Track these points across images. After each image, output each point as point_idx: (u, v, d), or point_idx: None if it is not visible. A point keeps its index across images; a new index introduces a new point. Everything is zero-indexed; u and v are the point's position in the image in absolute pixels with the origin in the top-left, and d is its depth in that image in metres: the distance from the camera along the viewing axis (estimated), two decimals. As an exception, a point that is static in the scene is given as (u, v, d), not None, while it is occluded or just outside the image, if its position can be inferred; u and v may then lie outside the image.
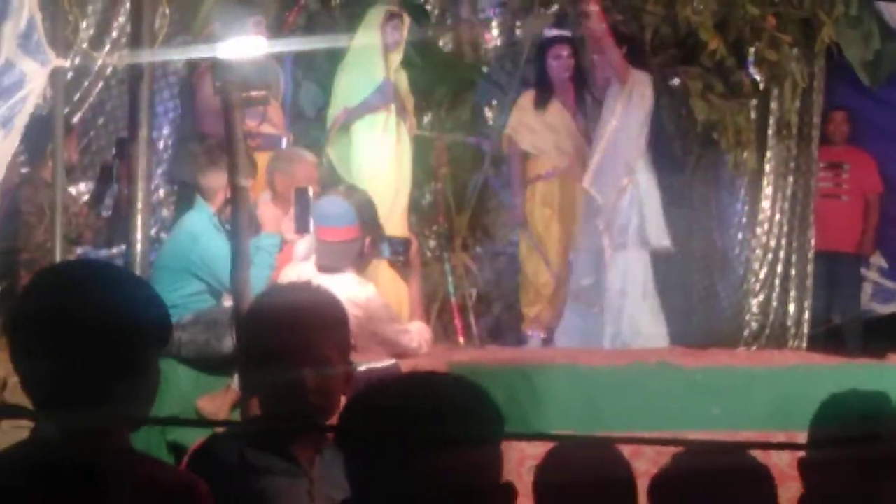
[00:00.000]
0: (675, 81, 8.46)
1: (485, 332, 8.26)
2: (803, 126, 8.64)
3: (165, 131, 8.32)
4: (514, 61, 8.79)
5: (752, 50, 8.33)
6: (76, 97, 8.04)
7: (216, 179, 6.02)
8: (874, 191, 9.04)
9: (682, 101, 8.45)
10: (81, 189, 7.96)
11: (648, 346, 7.35)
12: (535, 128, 8.02)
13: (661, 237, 7.68)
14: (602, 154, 7.66)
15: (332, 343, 2.76)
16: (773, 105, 8.59)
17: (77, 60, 7.76)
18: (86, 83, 8.15)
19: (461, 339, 7.84)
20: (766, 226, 8.75)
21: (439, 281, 8.01)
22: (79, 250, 7.17)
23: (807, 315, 8.62)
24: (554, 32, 8.27)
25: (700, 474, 2.61)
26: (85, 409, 2.05)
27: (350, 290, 5.23)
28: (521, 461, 4.89)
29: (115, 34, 8.16)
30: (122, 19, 8.04)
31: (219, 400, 5.57)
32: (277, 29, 7.80)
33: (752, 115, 8.56)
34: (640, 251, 7.67)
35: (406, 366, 5.31)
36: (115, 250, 7.51)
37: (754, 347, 8.37)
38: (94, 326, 2.06)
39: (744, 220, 8.80)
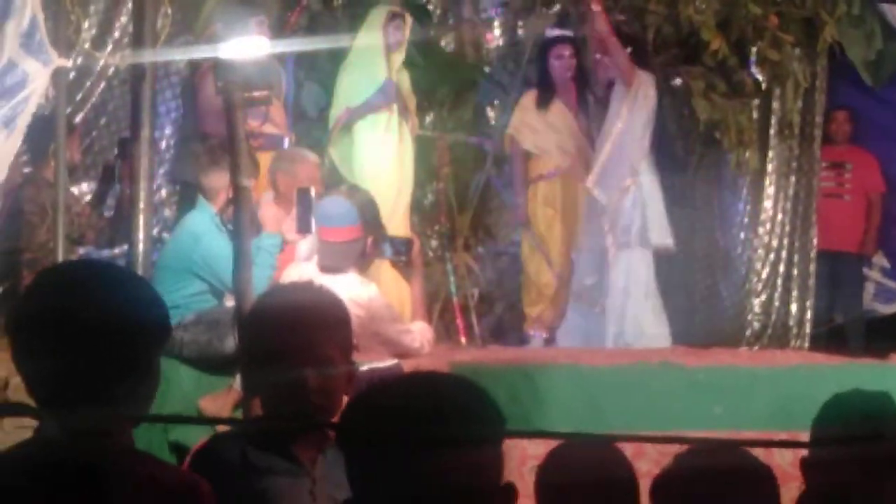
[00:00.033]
0: (678, 81, 8.46)
1: (487, 332, 8.26)
2: (805, 126, 8.65)
3: (167, 131, 8.33)
4: (516, 61, 8.79)
5: (754, 49, 8.34)
6: (78, 97, 8.04)
7: (218, 179, 6.02)
8: (876, 190, 9.03)
9: (685, 101, 8.46)
10: (84, 189, 7.96)
11: (651, 345, 7.35)
12: (537, 128, 8.02)
13: (663, 236, 7.69)
14: (607, 155, 7.67)
15: (333, 343, 2.76)
16: (776, 105, 8.59)
17: (79, 60, 7.77)
18: (88, 83, 8.16)
19: (463, 339, 7.84)
20: (768, 225, 8.75)
21: (441, 281, 8.01)
22: (81, 250, 7.18)
23: (809, 315, 8.63)
24: (556, 32, 8.28)
25: (702, 474, 2.61)
26: (87, 409, 2.05)
27: (352, 291, 5.23)
28: (522, 461, 4.90)
29: (117, 34, 8.17)
30: (124, 19, 8.05)
31: (221, 400, 5.57)
32: (279, 29, 7.81)
33: (755, 114, 8.56)
34: (643, 251, 7.67)
35: (408, 366, 5.31)
36: (117, 250, 7.51)
37: (756, 347, 8.37)
38: (96, 326, 2.06)
39: (746, 219, 8.81)
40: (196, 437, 3.70)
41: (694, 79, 8.27)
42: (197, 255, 5.98)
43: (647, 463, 4.01)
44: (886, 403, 2.75)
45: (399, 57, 7.35)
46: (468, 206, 8.34)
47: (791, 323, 8.61)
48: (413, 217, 7.61)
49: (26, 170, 7.17)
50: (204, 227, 6.08)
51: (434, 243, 8.31)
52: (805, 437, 2.81)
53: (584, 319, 7.89)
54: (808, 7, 8.19)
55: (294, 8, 8.11)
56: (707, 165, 8.82)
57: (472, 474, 1.74)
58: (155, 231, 6.85)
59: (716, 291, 8.84)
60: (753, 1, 8.02)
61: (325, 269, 5.55)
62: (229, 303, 5.74)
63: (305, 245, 6.10)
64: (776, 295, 8.67)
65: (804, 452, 2.84)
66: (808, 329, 8.60)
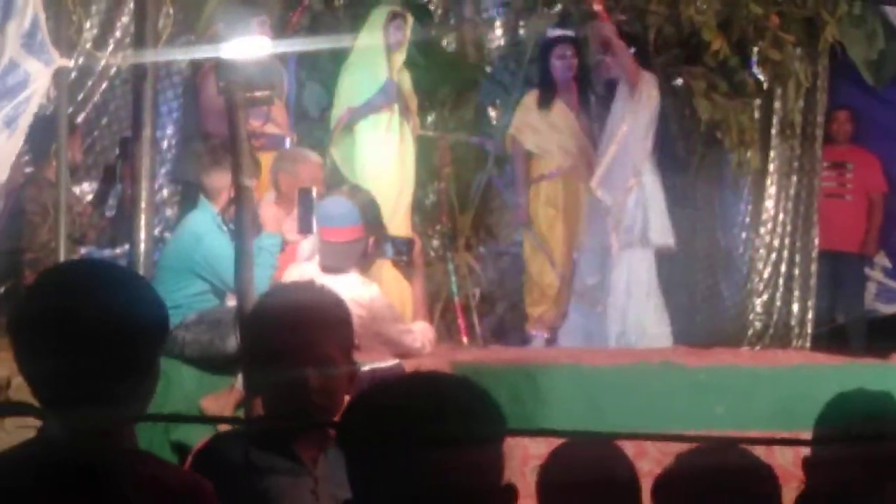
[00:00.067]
0: (679, 81, 8.46)
1: (488, 331, 8.26)
2: (807, 125, 8.65)
3: (169, 131, 8.33)
4: (517, 61, 8.79)
5: (755, 49, 8.34)
6: (80, 97, 8.04)
7: (220, 179, 6.03)
8: (878, 190, 9.03)
9: (686, 101, 8.46)
10: (85, 189, 7.96)
11: (652, 345, 7.36)
12: (538, 128, 8.03)
13: (664, 236, 7.69)
14: (612, 157, 7.67)
15: (334, 342, 2.76)
16: (777, 104, 8.60)
17: (81, 60, 7.77)
18: (89, 83, 8.16)
19: (465, 339, 7.84)
20: (769, 225, 8.75)
21: (443, 281, 8.01)
22: (83, 250, 7.18)
23: (810, 315, 8.63)
24: (557, 32, 8.27)
25: (703, 474, 2.61)
26: (89, 409, 2.05)
27: (354, 291, 5.23)
28: (524, 461, 4.90)
29: (118, 34, 8.17)
30: (125, 19, 8.05)
31: (222, 399, 5.57)
32: (281, 29, 7.81)
33: (756, 114, 8.56)
34: (645, 250, 7.68)
35: (410, 365, 5.31)
36: (118, 250, 7.51)
37: (758, 347, 8.37)
38: (98, 326, 2.06)
39: (747, 219, 8.81)
40: (198, 437, 3.71)
41: (695, 79, 8.27)
42: (198, 255, 5.98)
43: (649, 462, 4.01)
44: (889, 403, 2.75)
45: (400, 57, 7.35)
46: (469, 206, 8.34)
47: (793, 323, 8.61)
48: (414, 217, 7.61)
49: (28, 170, 7.17)
50: (205, 226, 6.08)
51: (435, 243, 8.31)
52: (806, 436, 2.81)
53: (586, 319, 7.89)
54: (810, 7, 8.19)
55: (296, 8, 8.11)
56: (708, 165, 8.82)
57: (473, 475, 1.74)
58: (156, 231, 6.85)
59: (717, 291, 8.84)
60: (754, 1, 8.02)
61: (327, 269, 5.55)
62: (231, 302, 5.74)
63: (307, 245, 6.10)
64: (778, 295, 8.67)
65: (806, 452, 2.85)
66: (809, 329, 8.60)
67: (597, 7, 7.87)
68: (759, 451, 2.73)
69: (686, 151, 8.72)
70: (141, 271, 5.14)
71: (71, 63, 6.59)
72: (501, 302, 8.64)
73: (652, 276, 7.69)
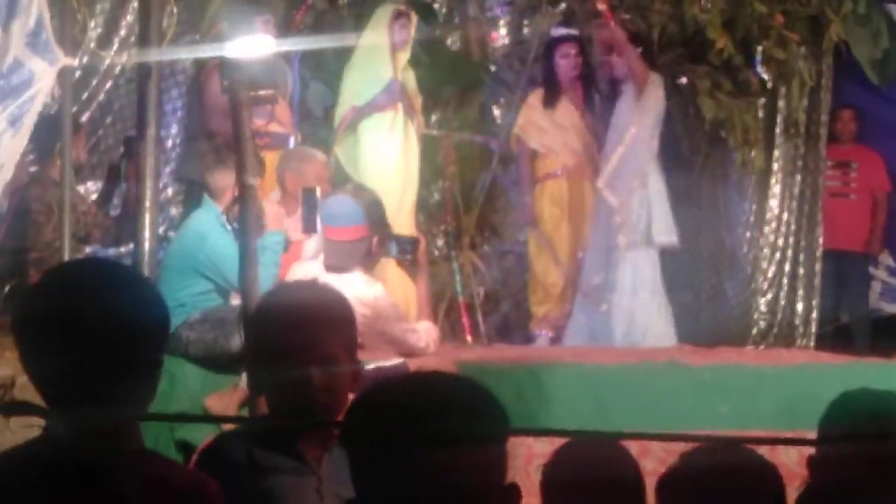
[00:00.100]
0: (683, 80, 8.45)
1: (492, 330, 8.26)
2: (811, 124, 8.64)
3: (173, 130, 8.33)
4: (521, 60, 8.78)
5: (759, 48, 8.33)
6: (84, 96, 8.05)
7: (224, 178, 6.02)
8: (882, 189, 9.03)
9: (690, 100, 8.45)
10: (90, 188, 7.97)
11: (656, 344, 7.35)
12: (543, 127, 8.03)
13: (668, 235, 7.69)
14: (619, 158, 7.67)
15: (338, 341, 2.76)
16: (781, 103, 8.59)
17: (85, 59, 7.77)
18: (94, 82, 8.16)
19: (469, 338, 7.84)
20: (773, 224, 8.75)
21: (447, 280, 8.01)
22: (87, 249, 7.18)
23: (815, 314, 8.62)
24: (562, 31, 8.27)
25: (708, 473, 2.61)
26: (94, 408, 2.05)
27: (358, 290, 5.23)
28: (528, 459, 4.90)
29: (123, 33, 8.17)
30: (130, 18, 8.06)
31: (227, 398, 5.57)
32: (285, 28, 7.81)
33: (760, 113, 8.56)
34: (649, 249, 7.68)
35: (414, 364, 5.31)
36: (123, 249, 7.51)
37: (762, 346, 8.37)
38: (103, 325, 2.06)
39: (752, 218, 8.81)
40: (202, 436, 3.71)
41: (699, 78, 8.26)
42: (202, 254, 5.98)
43: (653, 461, 4.01)
44: (893, 402, 2.75)
45: (404, 56, 7.35)
46: (474, 204, 8.34)
47: (797, 322, 8.61)
48: (419, 216, 7.61)
49: (32, 169, 7.17)
50: (209, 225, 6.08)
51: (440, 242, 8.31)
52: (811, 436, 2.81)
53: (590, 318, 7.88)
54: (814, 5, 8.19)
55: (300, 7, 8.11)
56: (713, 164, 8.82)
57: (476, 474, 1.74)
58: (161, 230, 6.85)
59: (721, 290, 8.84)
60: (759, -1, 8.02)
61: (331, 268, 5.56)
62: (235, 301, 5.74)
63: (312, 244, 6.10)
64: (782, 294, 8.67)
65: (811, 450, 2.85)
66: (813, 328, 8.60)
67: (601, 6, 7.87)
68: (763, 450, 2.73)
69: (690, 150, 8.72)
70: (145, 270, 5.15)
71: (75, 62, 6.58)
72: (506, 301, 8.64)
73: (657, 275, 7.70)
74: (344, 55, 7.46)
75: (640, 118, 7.63)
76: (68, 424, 2.05)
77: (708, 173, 8.83)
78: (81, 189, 7.60)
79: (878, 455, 2.58)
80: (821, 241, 8.66)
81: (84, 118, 7.90)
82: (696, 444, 2.74)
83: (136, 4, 7.61)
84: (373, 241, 5.64)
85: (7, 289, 6.77)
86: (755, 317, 8.66)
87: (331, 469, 2.68)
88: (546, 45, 8.27)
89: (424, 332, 5.76)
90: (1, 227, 6.87)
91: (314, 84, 8.07)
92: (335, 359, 2.73)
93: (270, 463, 2.67)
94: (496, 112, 8.99)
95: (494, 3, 9.06)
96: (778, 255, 8.71)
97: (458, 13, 8.86)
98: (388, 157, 7.20)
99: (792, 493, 2.73)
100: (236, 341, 5.53)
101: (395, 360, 5.39)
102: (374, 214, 5.68)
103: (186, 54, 7.55)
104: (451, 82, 8.38)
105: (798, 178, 8.71)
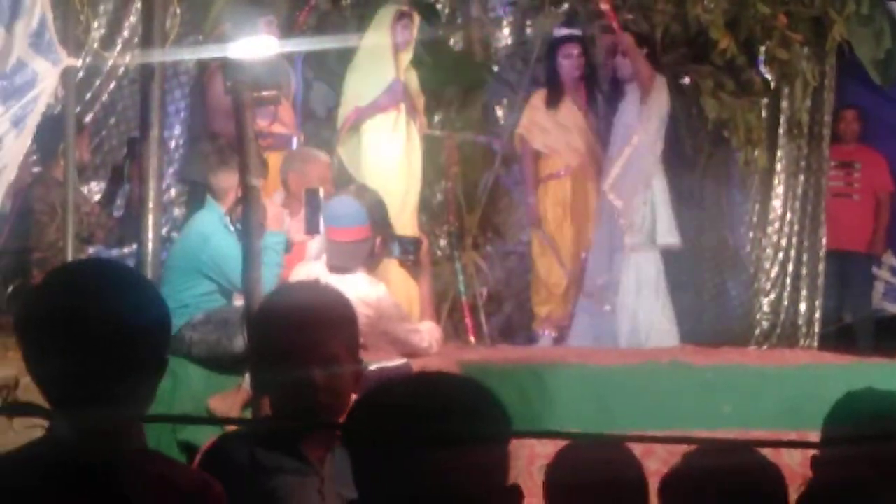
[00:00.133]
0: (686, 80, 8.45)
1: (495, 331, 8.26)
2: (814, 124, 8.64)
3: (177, 131, 8.34)
4: (524, 60, 8.78)
5: (762, 48, 8.33)
6: (88, 97, 8.06)
7: (227, 179, 6.02)
8: (885, 189, 9.02)
9: (693, 100, 8.45)
10: (93, 188, 7.98)
11: (660, 344, 7.35)
12: (547, 127, 8.03)
13: (670, 235, 7.69)
14: (625, 161, 7.68)
15: (340, 341, 2.76)
16: (784, 103, 8.59)
17: (88, 60, 7.79)
18: (97, 83, 8.18)
19: (472, 339, 7.84)
20: (777, 224, 8.74)
21: (450, 280, 8.01)
22: (90, 249, 7.19)
23: (818, 314, 8.62)
24: (564, 31, 8.27)
25: (711, 473, 2.61)
26: (97, 408, 2.05)
27: (361, 290, 5.24)
28: (531, 460, 4.89)
29: (126, 34, 8.19)
30: (133, 19, 8.07)
31: (230, 399, 5.57)
32: (288, 28, 7.81)
33: (763, 113, 8.55)
34: (652, 250, 7.68)
35: (417, 365, 5.31)
36: (126, 249, 7.53)
37: (765, 346, 8.37)
38: (105, 326, 2.06)
39: (755, 218, 8.80)
40: (205, 437, 3.71)
41: (702, 77, 8.26)
42: (205, 255, 5.98)
43: (656, 462, 4.01)
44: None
45: (407, 56, 7.35)
46: (477, 205, 8.34)
47: (800, 322, 8.61)
48: (421, 216, 7.61)
49: (36, 169, 7.18)
50: (212, 226, 6.08)
51: (443, 242, 8.31)
52: (813, 436, 2.81)
53: (593, 318, 7.89)
54: (817, 6, 8.18)
55: (302, 7, 8.11)
56: (716, 164, 8.81)
57: (478, 475, 1.74)
58: (164, 230, 6.87)
59: (724, 290, 8.83)
60: (762, 0, 8.01)
61: (334, 268, 5.56)
62: (238, 302, 5.75)
63: (315, 245, 6.11)
64: (785, 294, 8.66)
65: (814, 451, 2.84)
66: (817, 328, 8.59)
67: (604, 6, 7.87)
68: (766, 451, 2.73)
69: (693, 150, 8.71)
70: (148, 271, 5.14)
71: (79, 63, 6.60)
72: (509, 301, 8.64)
73: (660, 275, 7.70)
74: (347, 56, 7.46)
75: (645, 122, 7.64)
76: (71, 425, 2.05)
77: (711, 173, 8.83)
78: (85, 190, 7.60)
79: (881, 455, 2.58)
80: (824, 241, 8.66)
81: (87, 119, 7.91)
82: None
83: (139, 5, 7.60)
84: (376, 242, 5.64)
85: (10, 289, 6.78)
86: (758, 317, 8.65)
87: (333, 470, 2.68)
88: (549, 46, 8.28)
89: (427, 333, 5.76)
90: (4, 227, 6.88)
91: (317, 85, 8.07)
92: (338, 359, 2.74)
93: (273, 463, 2.67)
94: (499, 112, 8.99)
95: (497, 4, 9.06)
96: (781, 255, 8.71)
97: (461, 13, 8.86)
98: (390, 157, 7.20)
99: (794, 493, 2.73)
100: (239, 342, 5.53)
101: (397, 361, 5.39)
102: (377, 215, 5.68)
103: (190, 55, 7.55)
104: (454, 83, 8.38)
105: (801, 178, 8.71)
